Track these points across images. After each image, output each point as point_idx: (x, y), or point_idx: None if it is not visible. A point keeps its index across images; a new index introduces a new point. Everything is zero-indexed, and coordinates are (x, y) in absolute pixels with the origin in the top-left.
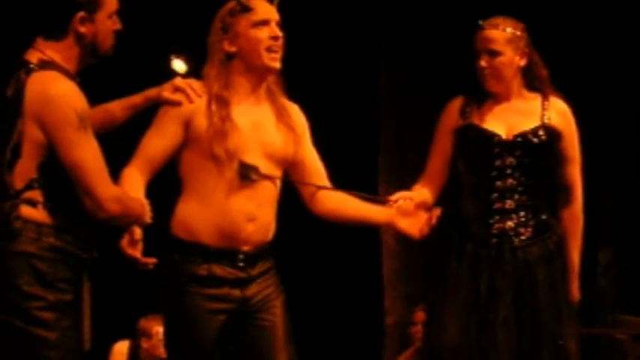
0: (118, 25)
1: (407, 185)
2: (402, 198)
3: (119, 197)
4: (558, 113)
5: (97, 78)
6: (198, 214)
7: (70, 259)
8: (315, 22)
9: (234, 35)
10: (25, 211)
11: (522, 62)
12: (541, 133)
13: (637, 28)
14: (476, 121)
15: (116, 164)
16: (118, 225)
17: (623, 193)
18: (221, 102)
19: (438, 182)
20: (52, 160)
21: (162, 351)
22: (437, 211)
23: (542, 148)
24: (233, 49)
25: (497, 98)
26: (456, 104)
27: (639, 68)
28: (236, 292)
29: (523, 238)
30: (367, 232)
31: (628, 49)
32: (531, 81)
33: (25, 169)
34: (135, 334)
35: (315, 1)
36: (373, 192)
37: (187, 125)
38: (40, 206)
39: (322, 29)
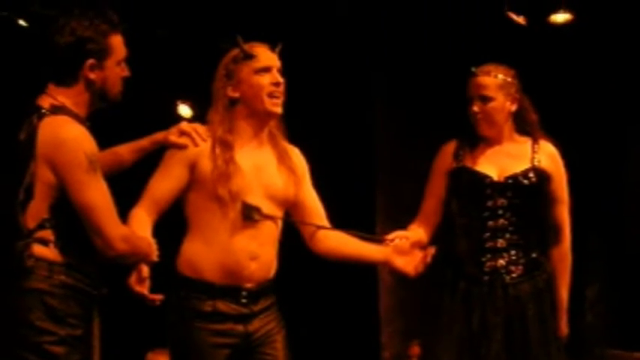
0: (126, 72)
1: (403, 225)
2: (398, 237)
3: (127, 236)
4: (548, 156)
5: (106, 122)
6: (203, 253)
7: (81, 296)
8: (315, 69)
9: (238, 82)
10: (38, 249)
11: (513, 107)
12: (531, 175)
13: (620, 75)
14: (469, 163)
15: (124, 204)
16: (126, 263)
17: (608, 232)
18: (225, 145)
19: (432, 222)
20: (63, 201)
21: None
22: (431, 250)
23: (532, 189)
24: (236, 94)
25: (489, 142)
26: (450, 147)
27: (624, 115)
28: (239, 328)
29: (514, 275)
30: (365, 270)
31: (613, 95)
32: (522, 125)
33: (37, 210)
34: None
35: (315, 48)
36: (370, 231)
37: (192, 168)
38: (51, 245)
39: (322, 76)
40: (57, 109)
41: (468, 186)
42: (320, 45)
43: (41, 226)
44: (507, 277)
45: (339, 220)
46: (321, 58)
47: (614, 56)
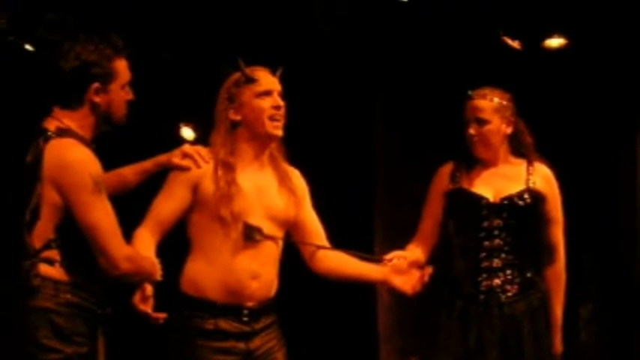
0: (130, 96)
1: (401, 245)
2: (396, 257)
3: (131, 256)
4: (542, 178)
5: (110, 145)
6: (206, 272)
7: (86, 314)
8: (314, 92)
9: (239, 105)
10: (44, 269)
11: (509, 130)
12: (526, 196)
13: (613, 97)
14: (465, 185)
15: (129, 225)
16: (130, 282)
17: (602, 252)
18: (227, 167)
19: (429, 242)
20: (69, 222)
21: None
22: (429, 269)
23: (527, 210)
24: (238, 117)
25: (485, 164)
26: (447, 169)
27: (617, 136)
28: (241, 345)
29: (509, 294)
30: (363, 289)
31: (606, 116)
32: (517, 147)
33: (43, 230)
34: None
35: (314, 71)
36: (369, 251)
37: (195, 189)
38: (57, 265)
39: (322, 99)
40: (63, 132)
41: (465, 207)
42: (320, 68)
43: (47, 246)
44: (503, 296)
45: (339, 240)
46: (321, 80)
47: (606, 79)
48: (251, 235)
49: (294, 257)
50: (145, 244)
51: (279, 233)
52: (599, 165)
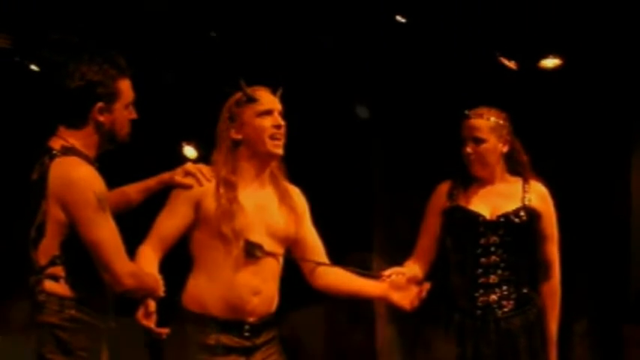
0: (133, 115)
1: (399, 262)
2: (395, 273)
3: (135, 273)
4: (538, 196)
5: (114, 163)
6: (208, 288)
7: (90, 329)
8: (314, 112)
9: (241, 124)
10: (49, 285)
11: (505, 149)
12: (522, 213)
13: (609, 116)
14: (462, 202)
15: (132, 241)
16: (134, 298)
17: (596, 269)
18: (228, 185)
19: (427, 259)
20: (73, 239)
21: None
22: (427, 285)
23: (523, 227)
24: (239, 136)
25: (482, 182)
26: (444, 187)
27: (611, 157)
28: None
29: (505, 310)
30: (362, 304)
31: (600, 136)
32: (513, 166)
33: (48, 247)
34: None
35: (314, 91)
36: (367, 268)
37: (197, 207)
38: (62, 281)
39: (321, 119)
40: (67, 151)
41: (462, 224)
42: (319, 87)
43: (52, 263)
44: (499, 312)
45: (338, 256)
46: (321, 99)
47: (600, 99)
48: (252, 252)
49: (294, 273)
50: (148, 261)
51: (279, 250)
52: (593, 182)
